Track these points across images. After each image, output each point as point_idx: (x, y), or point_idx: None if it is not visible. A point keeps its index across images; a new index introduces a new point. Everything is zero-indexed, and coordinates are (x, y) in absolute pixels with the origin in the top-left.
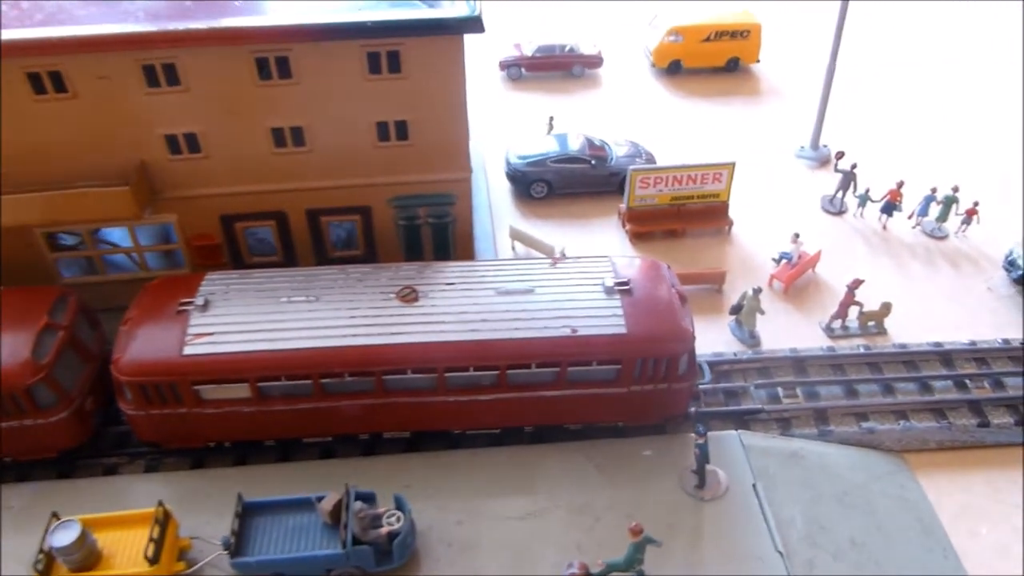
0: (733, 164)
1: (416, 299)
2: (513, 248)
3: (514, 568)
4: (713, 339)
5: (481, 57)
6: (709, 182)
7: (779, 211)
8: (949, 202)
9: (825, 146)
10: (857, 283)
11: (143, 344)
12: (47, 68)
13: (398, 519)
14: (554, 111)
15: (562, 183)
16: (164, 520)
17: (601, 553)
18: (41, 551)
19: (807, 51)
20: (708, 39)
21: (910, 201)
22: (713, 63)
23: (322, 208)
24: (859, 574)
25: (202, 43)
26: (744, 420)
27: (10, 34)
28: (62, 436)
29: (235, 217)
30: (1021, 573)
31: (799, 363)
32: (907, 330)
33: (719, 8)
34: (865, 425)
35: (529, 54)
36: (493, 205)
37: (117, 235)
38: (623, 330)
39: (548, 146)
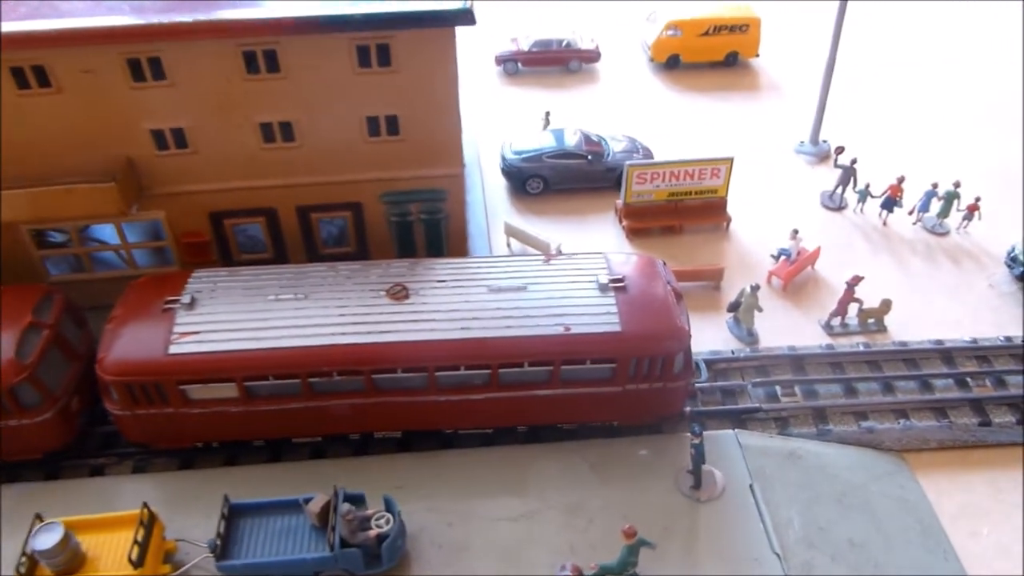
0: (731, 159)
1: (406, 297)
2: (508, 245)
3: (506, 570)
4: (711, 337)
5: (477, 52)
6: (707, 178)
7: (778, 207)
8: (951, 198)
9: (825, 141)
10: (857, 280)
11: (128, 343)
12: (30, 62)
13: (387, 521)
14: (550, 106)
15: (558, 179)
16: (149, 522)
17: (595, 555)
18: (24, 554)
19: (807, 45)
20: (707, 33)
21: (911, 197)
22: (712, 58)
23: (312, 205)
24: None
25: (187, 36)
26: (741, 419)
27: None
28: (47, 437)
29: (224, 214)
30: (1021, 574)
31: (797, 361)
32: (907, 327)
33: (718, 2)
34: (864, 424)
35: (525, 49)
36: (488, 201)
37: (108, 232)
38: (617, 328)
39: (544, 142)
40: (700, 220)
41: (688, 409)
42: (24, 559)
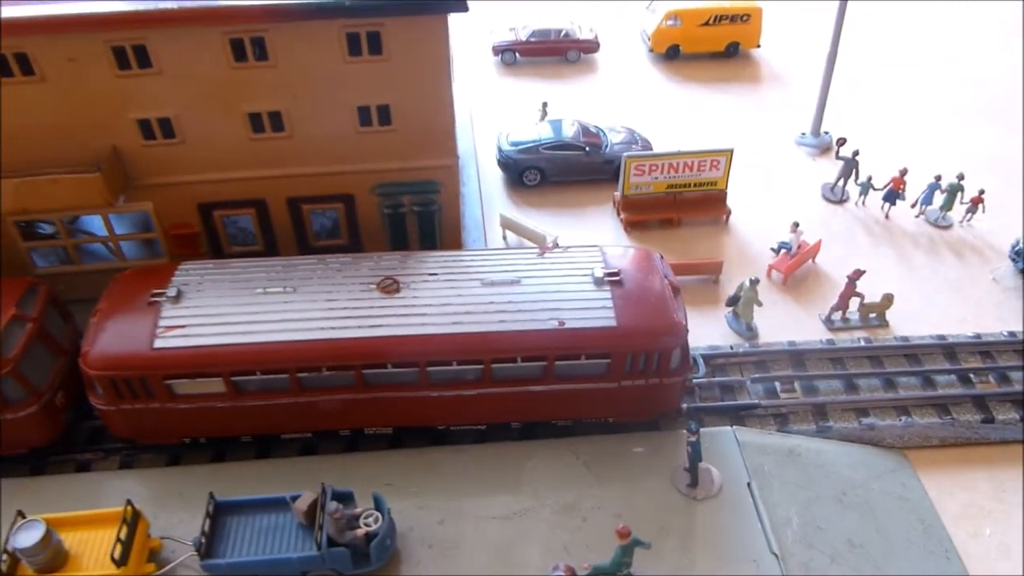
0: (731, 151)
1: (397, 290)
2: (504, 238)
3: (498, 570)
4: (709, 331)
5: (474, 41)
6: (706, 169)
7: (778, 200)
8: (954, 190)
9: (826, 133)
10: (858, 274)
11: (112, 337)
12: (12, 50)
13: (376, 520)
14: (548, 97)
15: (555, 171)
16: (133, 520)
17: (589, 555)
18: (4, 551)
19: (809, 36)
20: (707, 23)
21: (913, 189)
22: (712, 48)
23: (303, 196)
24: None
25: (173, 23)
26: (739, 416)
27: None
28: (31, 432)
29: (213, 205)
30: (1022, 574)
31: (797, 356)
32: (909, 322)
33: None
34: (865, 421)
35: (523, 38)
36: (484, 193)
37: (98, 224)
38: (613, 323)
39: (541, 133)
40: (699, 213)
41: (685, 406)
42: (5, 557)
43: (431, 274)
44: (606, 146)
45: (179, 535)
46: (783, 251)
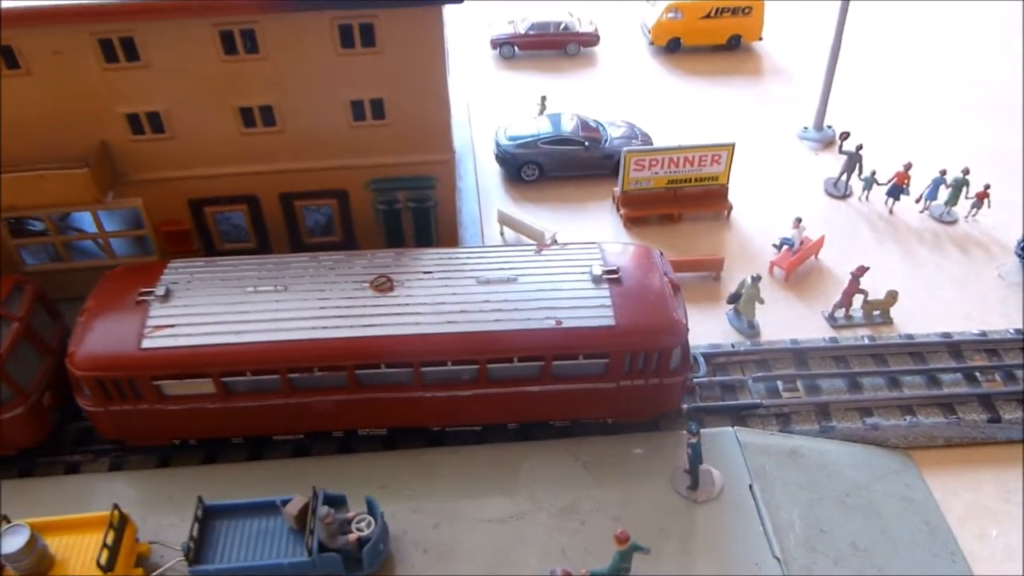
0: (732, 146)
1: (391, 288)
2: (502, 234)
3: (494, 574)
4: (710, 329)
5: (472, 34)
6: (707, 164)
7: (780, 195)
8: (959, 185)
9: (829, 127)
10: (862, 270)
11: (99, 337)
12: None
13: (368, 524)
14: (547, 91)
15: (554, 166)
16: (120, 524)
17: (587, 559)
18: None
19: (811, 29)
20: (708, 16)
21: (918, 184)
22: (714, 41)
23: (296, 192)
24: None
25: (161, 15)
26: (741, 416)
27: None
28: (18, 434)
29: (204, 201)
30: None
31: (800, 355)
32: (914, 320)
33: None
34: (869, 421)
35: (522, 31)
36: (481, 189)
37: (88, 220)
38: (611, 322)
39: (540, 127)
40: (700, 208)
41: (685, 406)
42: None
43: (426, 272)
44: (606, 141)
45: (168, 539)
46: (785, 247)
